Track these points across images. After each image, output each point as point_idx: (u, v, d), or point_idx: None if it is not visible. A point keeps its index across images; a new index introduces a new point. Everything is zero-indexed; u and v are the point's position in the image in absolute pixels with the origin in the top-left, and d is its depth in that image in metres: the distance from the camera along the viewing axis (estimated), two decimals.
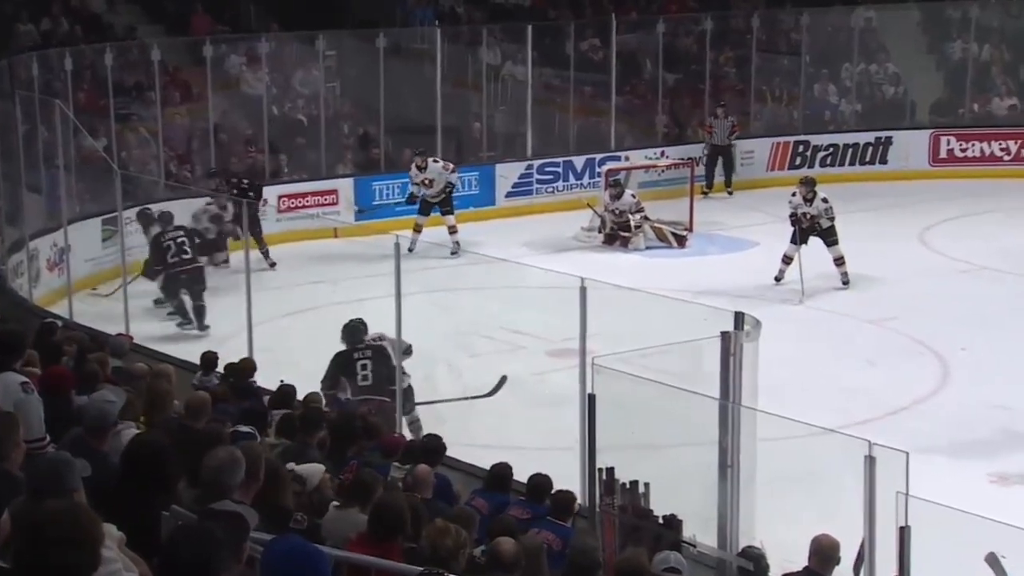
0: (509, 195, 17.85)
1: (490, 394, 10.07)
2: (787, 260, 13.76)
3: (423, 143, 17.36)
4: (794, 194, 14.05)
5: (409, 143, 17.53)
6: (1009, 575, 5.21)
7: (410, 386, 9.38)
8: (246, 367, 8.86)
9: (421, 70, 18.10)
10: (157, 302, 12.56)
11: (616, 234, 15.77)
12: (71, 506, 2.97)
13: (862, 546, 5.40)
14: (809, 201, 13.82)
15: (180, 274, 11.78)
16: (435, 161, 15.62)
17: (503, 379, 10.15)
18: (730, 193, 18.51)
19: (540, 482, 6.62)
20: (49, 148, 13.22)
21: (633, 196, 15.91)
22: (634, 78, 19.93)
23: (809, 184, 14.09)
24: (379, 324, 9.52)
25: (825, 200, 13.89)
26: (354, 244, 15.14)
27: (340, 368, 9.13)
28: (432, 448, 7.05)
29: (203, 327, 11.72)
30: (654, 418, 6.69)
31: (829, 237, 13.80)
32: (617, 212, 15.75)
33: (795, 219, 13.81)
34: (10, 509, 3.69)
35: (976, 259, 14.67)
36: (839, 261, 13.75)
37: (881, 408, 10.07)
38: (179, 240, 11.88)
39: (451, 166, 15.65)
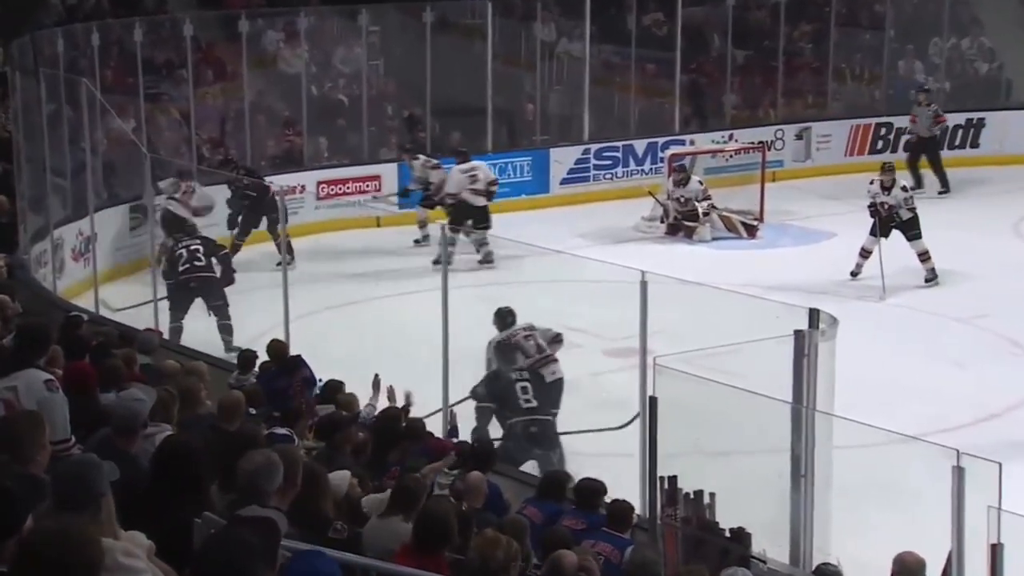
0: (564, 182, 17.83)
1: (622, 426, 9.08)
2: (865, 254, 13.65)
3: (472, 125, 17.38)
4: (872, 182, 13.94)
5: (457, 125, 17.55)
6: None
7: (560, 379, 9.51)
8: (279, 348, 9.03)
9: (471, 47, 18.14)
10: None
11: (680, 224, 15.71)
12: (66, 527, 3.05)
13: (948, 563, 5.35)
14: (887, 189, 13.70)
15: (190, 281, 11.72)
16: (415, 158, 15.60)
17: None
18: (944, 192, 17.54)
19: (591, 487, 6.62)
20: (74, 130, 13.39)
21: (700, 183, 15.84)
22: (701, 55, 19.83)
23: (888, 171, 13.96)
24: (424, 320, 9.57)
25: (905, 189, 13.75)
26: (399, 234, 15.23)
27: (499, 389, 9.18)
28: (483, 453, 7.07)
29: (232, 348, 11.32)
30: (721, 423, 6.67)
31: (910, 231, 13.65)
32: (682, 200, 15.70)
33: (874, 209, 13.69)
34: (34, 515, 3.76)
35: None
36: (923, 256, 13.61)
37: (970, 414, 9.96)
38: (192, 248, 11.91)
39: (432, 162, 15.48)
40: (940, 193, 17.43)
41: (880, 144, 19.33)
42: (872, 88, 20.48)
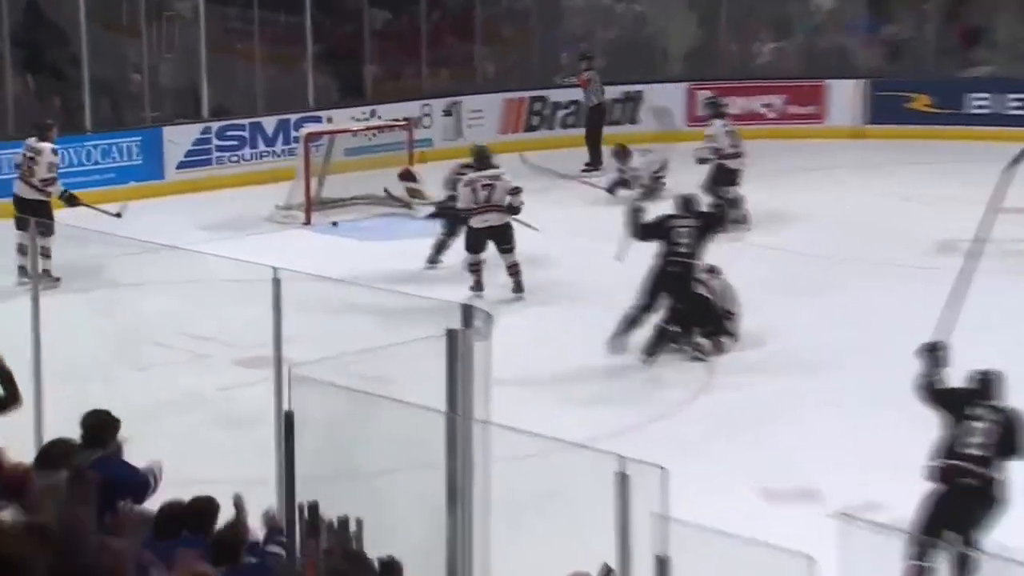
0: (182, 166, 17.57)
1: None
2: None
3: (67, 100, 16.85)
4: None
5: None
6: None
7: None
8: None
9: (58, 6, 17.51)
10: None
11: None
12: None
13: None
14: None
15: None
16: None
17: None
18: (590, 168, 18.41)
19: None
20: None
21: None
22: (336, 17, 19.89)
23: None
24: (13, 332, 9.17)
25: None
26: None
27: None
28: None
29: None
30: (369, 439, 6.71)
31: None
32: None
33: None
34: None
35: None
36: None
37: (644, 414, 10.38)
38: None
39: None
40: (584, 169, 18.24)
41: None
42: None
